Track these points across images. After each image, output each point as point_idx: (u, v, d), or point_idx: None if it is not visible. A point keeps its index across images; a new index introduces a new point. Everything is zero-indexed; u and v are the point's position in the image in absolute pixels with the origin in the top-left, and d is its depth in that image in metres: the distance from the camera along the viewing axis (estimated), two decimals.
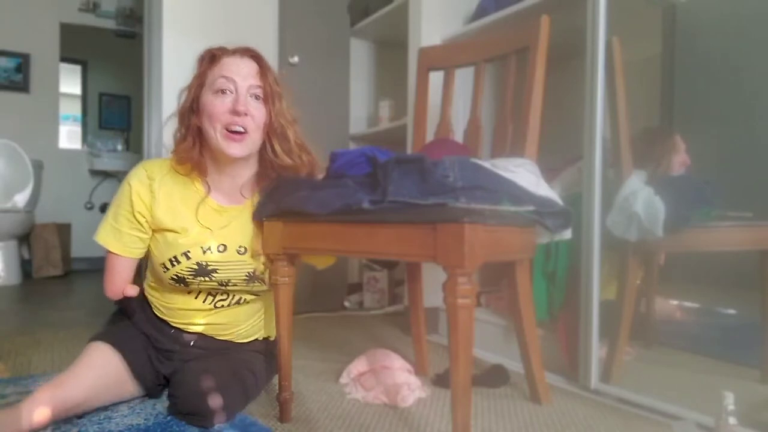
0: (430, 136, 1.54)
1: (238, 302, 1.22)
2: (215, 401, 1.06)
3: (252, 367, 1.20)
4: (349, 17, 2.57)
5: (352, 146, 2.55)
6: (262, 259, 1.16)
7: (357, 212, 0.92)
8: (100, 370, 1.10)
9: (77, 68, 4.13)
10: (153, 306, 1.24)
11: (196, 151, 1.15)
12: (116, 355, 1.12)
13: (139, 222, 1.15)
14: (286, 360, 1.14)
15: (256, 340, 1.29)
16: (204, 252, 1.14)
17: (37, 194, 3.49)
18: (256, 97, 1.11)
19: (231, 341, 1.24)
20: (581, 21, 1.36)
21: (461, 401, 0.85)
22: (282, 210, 1.07)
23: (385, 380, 1.28)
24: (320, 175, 1.17)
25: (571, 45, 1.41)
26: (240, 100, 1.08)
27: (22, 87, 3.76)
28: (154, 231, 1.17)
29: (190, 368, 1.14)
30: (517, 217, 1.01)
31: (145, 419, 1.08)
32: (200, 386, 1.07)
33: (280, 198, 1.08)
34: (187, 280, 1.14)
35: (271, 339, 1.31)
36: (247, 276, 1.16)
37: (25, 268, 3.39)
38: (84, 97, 4.16)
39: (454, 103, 1.50)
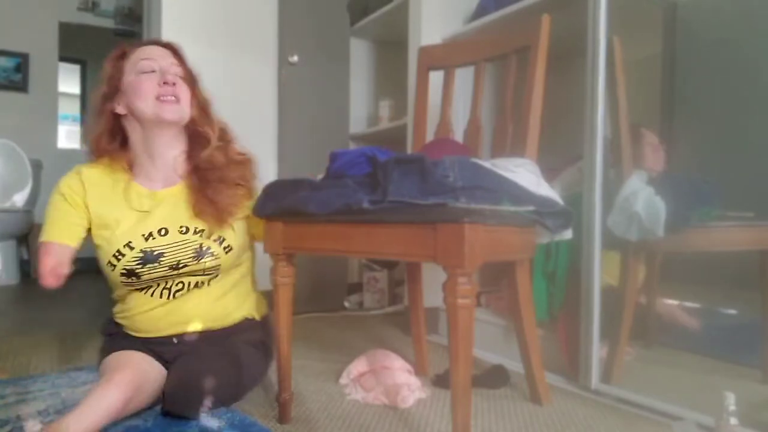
0: (430, 136, 1.54)
1: (197, 285, 1.19)
2: (205, 390, 1.07)
3: (245, 356, 1.20)
4: (348, 16, 2.56)
5: (352, 146, 2.55)
6: (208, 233, 1.16)
7: (357, 212, 0.92)
8: (139, 361, 1.11)
9: (76, 68, 4.12)
10: (129, 333, 1.23)
11: (116, 142, 1.20)
12: (140, 353, 1.14)
13: (71, 205, 1.17)
14: (286, 360, 1.14)
15: (246, 319, 1.27)
16: (146, 239, 1.14)
17: (36, 194, 3.49)
18: (179, 76, 1.18)
19: (222, 328, 1.23)
20: (582, 20, 1.35)
21: (461, 401, 0.85)
22: (282, 210, 1.07)
23: (385, 381, 1.28)
24: (240, 156, 1.24)
25: (571, 44, 1.40)
26: (167, 72, 1.15)
27: (21, 86, 3.76)
28: (93, 232, 1.18)
29: (182, 360, 1.14)
30: (517, 217, 1.01)
31: (144, 419, 1.08)
32: (190, 375, 1.08)
33: (281, 198, 1.08)
34: (137, 270, 1.13)
35: (257, 319, 1.29)
36: (195, 253, 1.15)
37: (24, 268, 3.38)
38: (83, 97, 4.15)
39: (454, 102, 1.50)
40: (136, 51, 1.18)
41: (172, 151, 1.21)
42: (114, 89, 1.16)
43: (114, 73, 1.17)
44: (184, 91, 1.17)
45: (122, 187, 1.18)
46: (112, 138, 1.19)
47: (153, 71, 1.14)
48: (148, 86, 1.13)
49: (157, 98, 1.13)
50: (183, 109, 1.18)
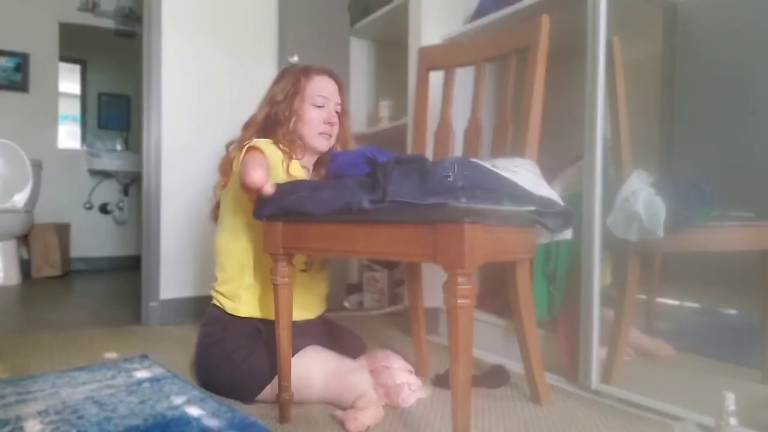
0: (430, 136, 1.54)
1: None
2: None
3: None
4: (348, 16, 2.56)
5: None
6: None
7: (357, 212, 0.92)
8: None
9: (76, 68, 4.12)
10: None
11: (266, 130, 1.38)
12: None
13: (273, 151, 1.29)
14: (286, 360, 1.14)
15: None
16: None
17: (36, 194, 3.48)
18: (337, 112, 1.41)
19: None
20: (581, 21, 1.36)
21: (461, 401, 0.85)
22: (282, 210, 1.07)
23: (385, 381, 1.28)
24: None
25: (571, 45, 1.41)
26: (332, 112, 1.39)
27: (21, 87, 3.75)
28: None
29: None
30: (517, 217, 1.01)
31: (144, 420, 1.08)
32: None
33: (280, 198, 1.08)
34: None
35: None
36: None
37: (24, 268, 3.38)
38: (83, 97, 4.14)
39: (454, 103, 1.50)
40: (315, 80, 1.38)
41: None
42: (286, 102, 1.36)
43: (292, 89, 1.37)
44: (336, 128, 1.41)
45: (287, 163, 1.31)
46: (264, 127, 1.38)
47: (322, 107, 1.37)
48: (316, 120, 1.36)
49: (319, 132, 1.36)
50: (331, 143, 1.41)
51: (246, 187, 1.11)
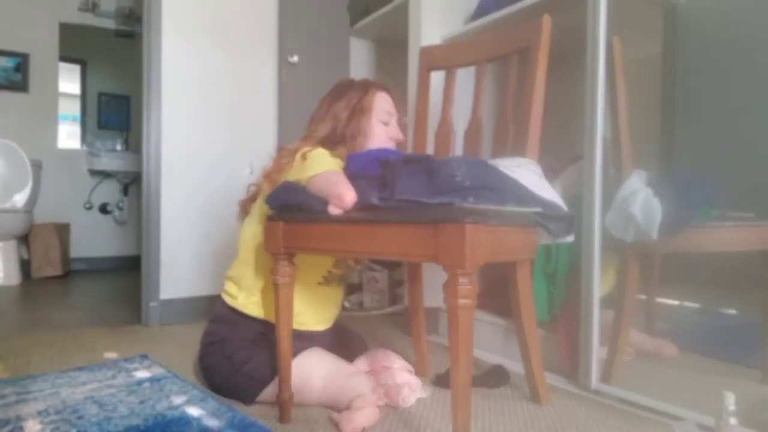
0: (430, 136, 1.54)
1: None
2: None
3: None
4: (348, 16, 2.57)
5: None
6: None
7: (365, 209, 0.92)
8: None
9: (76, 68, 4.11)
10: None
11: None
12: None
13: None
14: (286, 360, 1.14)
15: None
16: None
17: (36, 194, 3.48)
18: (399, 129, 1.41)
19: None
20: (582, 21, 1.36)
21: (461, 401, 0.85)
22: (292, 205, 1.07)
23: (385, 381, 1.28)
24: None
25: (571, 45, 1.41)
26: (396, 130, 1.38)
27: (21, 87, 3.75)
28: None
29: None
30: (519, 217, 1.01)
31: (144, 419, 1.08)
32: None
33: (293, 195, 1.08)
34: None
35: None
36: None
37: (24, 268, 3.38)
38: (83, 97, 4.14)
39: (454, 103, 1.50)
40: (379, 96, 1.37)
41: None
42: (354, 120, 1.33)
43: (359, 106, 1.34)
44: (396, 141, 1.40)
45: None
46: (322, 142, 1.32)
47: (387, 124, 1.37)
48: (383, 136, 1.35)
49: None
50: None
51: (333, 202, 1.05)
